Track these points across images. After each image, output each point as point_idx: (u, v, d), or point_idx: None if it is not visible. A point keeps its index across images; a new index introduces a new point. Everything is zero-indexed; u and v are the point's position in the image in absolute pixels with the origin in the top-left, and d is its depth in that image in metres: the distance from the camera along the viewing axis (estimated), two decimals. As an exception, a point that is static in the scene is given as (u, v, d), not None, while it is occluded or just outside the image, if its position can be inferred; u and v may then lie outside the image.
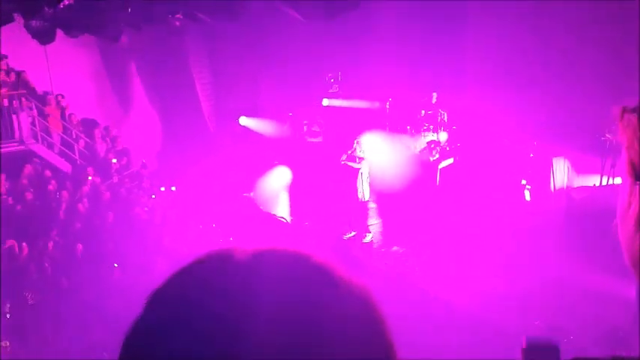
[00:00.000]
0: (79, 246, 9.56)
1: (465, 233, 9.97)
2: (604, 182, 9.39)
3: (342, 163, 11.67)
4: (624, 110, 0.96)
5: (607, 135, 9.16)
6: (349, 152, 11.57)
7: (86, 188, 10.88)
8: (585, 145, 9.65)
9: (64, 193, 10.62)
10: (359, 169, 11.42)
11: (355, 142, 11.75)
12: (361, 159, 11.41)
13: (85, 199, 10.60)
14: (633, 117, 0.94)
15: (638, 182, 0.93)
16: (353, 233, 11.35)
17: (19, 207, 10.14)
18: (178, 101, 13.09)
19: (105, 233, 10.17)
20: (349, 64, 13.78)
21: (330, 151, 13.46)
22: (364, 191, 11.41)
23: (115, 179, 11.64)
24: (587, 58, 9.68)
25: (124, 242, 9.96)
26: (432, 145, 12.34)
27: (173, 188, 11.86)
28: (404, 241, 10.52)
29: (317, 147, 13.97)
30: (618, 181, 9.37)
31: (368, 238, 11.31)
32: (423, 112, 12.81)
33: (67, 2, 6.33)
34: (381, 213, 11.91)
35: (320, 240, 11.03)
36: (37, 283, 8.83)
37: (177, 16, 7.48)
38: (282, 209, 12.38)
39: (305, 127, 13.93)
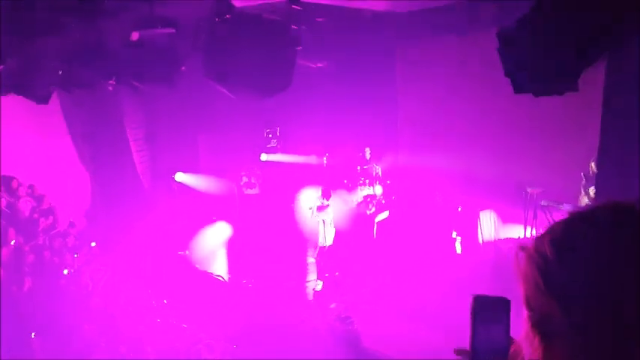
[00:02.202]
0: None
1: (401, 286, 10.13)
2: (527, 233, 9.90)
3: (312, 217, 11.55)
4: (520, 248, 1.07)
5: (528, 189, 9.77)
6: (317, 204, 11.44)
7: (7, 251, 10.21)
8: (509, 198, 10.22)
9: (-19, 257, 9.89)
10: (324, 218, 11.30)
11: (317, 196, 11.70)
12: (326, 206, 11.33)
13: (10, 262, 9.94)
14: (523, 256, 1.05)
15: (530, 314, 1.03)
16: (321, 283, 11.15)
17: None
18: (110, 157, 12.76)
19: (23, 300, 9.52)
20: (287, 120, 14.07)
21: (269, 205, 13.48)
22: (327, 238, 11.30)
23: (40, 240, 11.03)
24: (510, 117, 10.38)
25: (47, 308, 9.35)
26: (369, 199, 12.63)
27: (93, 244, 11.36)
28: (342, 298, 10.51)
29: (255, 200, 13.95)
30: (540, 231, 9.92)
31: (319, 287, 11.21)
32: (359, 167, 13.17)
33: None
34: (320, 267, 11.90)
35: (259, 300, 10.82)
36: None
37: (110, 82, 7.43)
38: (219, 267, 12.10)
39: (243, 180, 13.92)
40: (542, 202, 9.52)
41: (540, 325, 1.02)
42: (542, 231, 1.10)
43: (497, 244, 10.27)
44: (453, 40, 10.33)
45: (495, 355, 1.18)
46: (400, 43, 12.19)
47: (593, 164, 8.89)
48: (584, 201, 9.09)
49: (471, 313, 1.23)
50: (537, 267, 1.03)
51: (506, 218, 10.52)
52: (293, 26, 4.59)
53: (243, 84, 4.65)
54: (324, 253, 11.31)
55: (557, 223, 1.08)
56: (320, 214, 11.25)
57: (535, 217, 9.69)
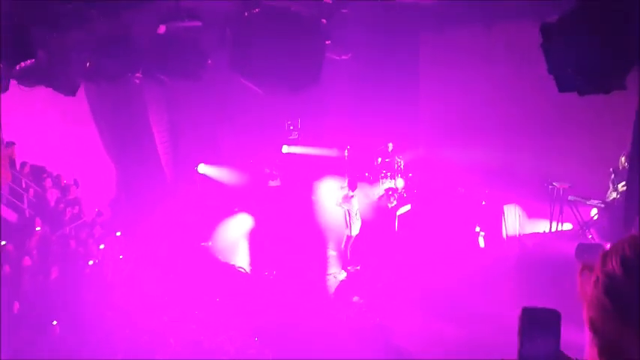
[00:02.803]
0: (16, 304, 9.06)
1: (424, 280, 10.07)
2: (553, 228, 9.75)
3: (337, 205, 11.51)
4: (584, 267, 1.01)
5: (554, 184, 9.60)
6: (343, 194, 11.38)
7: (33, 240, 10.43)
8: (534, 193, 10.06)
9: (9, 247, 10.12)
10: (350, 205, 11.24)
11: (341, 186, 11.60)
12: (350, 197, 11.24)
13: (33, 252, 10.14)
14: (587, 276, 0.99)
15: (596, 338, 0.97)
16: (344, 273, 11.18)
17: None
18: (135, 149, 12.90)
19: (49, 288, 9.71)
20: (309, 112, 14.05)
21: (290, 196, 13.51)
22: (352, 228, 11.25)
23: (66, 230, 11.23)
24: (535, 110, 10.21)
25: (71, 297, 9.53)
26: (390, 192, 12.57)
27: (118, 233, 11.50)
28: (364, 291, 10.50)
29: (277, 192, 14.00)
30: (567, 226, 9.77)
31: (342, 276, 11.22)
32: (379, 159, 13.09)
33: (23, 64, 6.25)
34: (344, 258, 11.90)
35: (280, 292, 10.86)
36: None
37: (137, 74, 7.49)
38: (241, 258, 12.18)
39: (265, 172, 13.98)
40: (570, 198, 9.35)
41: (609, 351, 0.96)
42: (606, 248, 1.03)
43: (521, 239, 10.12)
44: (478, 31, 10.17)
45: None
46: (424, 35, 12.05)
47: (623, 159, 8.70)
48: (613, 196, 8.90)
49: (520, 326, 1.20)
50: (605, 289, 0.96)
51: (531, 213, 10.36)
52: (323, 20, 4.55)
53: (271, 79, 4.64)
54: (349, 244, 11.28)
55: (623, 241, 1.00)
56: (345, 204, 11.19)
57: (561, 212, 9.53)
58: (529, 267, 9.04)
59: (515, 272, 9.16)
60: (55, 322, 8.72)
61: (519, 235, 10.28)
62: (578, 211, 9.28)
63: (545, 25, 4.00)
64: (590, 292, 1.00)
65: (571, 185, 9.49)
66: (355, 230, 11.18)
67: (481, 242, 10.76)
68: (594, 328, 0.98)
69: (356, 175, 12.49)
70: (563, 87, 4.13)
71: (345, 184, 11.38)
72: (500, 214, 10.50)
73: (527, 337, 1.17)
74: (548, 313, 1.17)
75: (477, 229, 10.78)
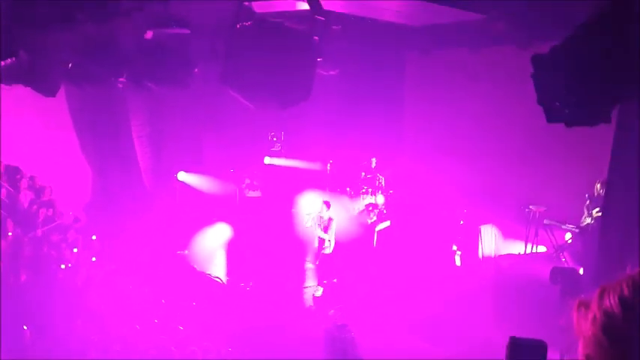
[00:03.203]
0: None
1: (399, 296, 10.12)
2: (528, 250, 9.92)
3: (308, 226, 11.60)
4: (580, 304, 1.03)
5: (530, 207, 9.80)
6: (315, 216, 11.41)
7: (4, 242, 10.14)
8: (511, 215, 10.25)
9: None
10: (328, 225, 11.24)
11: (322, 205, 11.59)
12: (330, 220, 11.29)
13: (4, 254, 9.86)
14: (584, 313, 1.01)
15: None
16: (321, 289, 11.10)
17: None
18: (114, 154, 12.70)
19: (18, 293, 9.44)
20: (293, 125, 14.05)
21: (270, 208, 13.45)
22: (326, 246, 11.26)
23: (39, 233, 10.95)
24: (516, 135, 10.40)
25: (42, 302, 9.29)
26: (370, 208, 12.63)
27: (93, 237, 11.28)
28: (341, 304, 10.49)
29: (257, 203, 13.92)
30: (541, 249, 9.95)
31: (318, 293, 11.18)
32: (363, 174, 13.17)
33: (3, 63, 6.12)
34: (320, 274, 11.87)
35: (256, 304, 10.78)
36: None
37: (121, 79, 7.39)
38: (217, 268, 12.05)
39: (245, 182, 13.89)
40: (545, 221, 9.54)
41: None
42: (603, 286, 1.05)
43: (497, 259, 10.28)
44: (464, 54, 10.35)
45: None
46: (410, 54, 12.21)
47: (598, 186, 8.92)
48: (587, 222, 9.11)
49: (507, 355, 1.21)
50: (603, 327, 0.98)
51: (507, 234, 10.54)
52: (315, 37, 4.57)
53: (262, 93, 4.63)
54: (323, 261, 11.29)
55: (621, 280, 1.01)
56: (320, 225, 11.27)
57: (537, 234, 9.71)
58: (504, 287, 9.16)
59: (491, 292, 9.28)
60: (25, 327, 8.48)
61: (495, 255, 10.44)
62: (553, 234, 9.46)
63: (536, 57, 4.11)
64: (586, 329, 1.02)
65: (547, 209, 9.69)
66: (329, 249, 11.23)
67: (457, 261, 10.88)
68: None
69: (332, 191, 12.59)
70: (551, 118, 4.23)
71: (321, 207, 11.41)
72: (477, 233, 10.65)
73: None
74: (535, 344, 1.18)
75: (454, 247, 10.90)
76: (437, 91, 11.86)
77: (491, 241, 10.64)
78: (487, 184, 10.82)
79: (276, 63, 4.48)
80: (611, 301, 0.99)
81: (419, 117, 12.51)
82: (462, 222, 10.98)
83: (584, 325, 1.03)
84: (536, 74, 4.13)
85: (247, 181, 13.84)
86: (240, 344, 9.68)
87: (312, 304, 11.13)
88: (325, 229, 11.27)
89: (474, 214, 10.82)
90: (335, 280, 11.31)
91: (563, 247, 9.37)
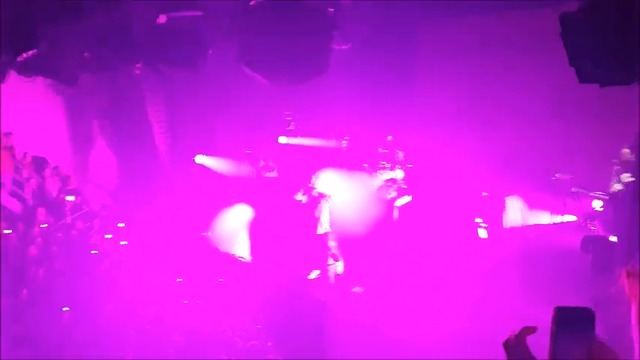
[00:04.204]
0: (24, 291, 9.10)
1: (422, 272, 10.10)
2: (556, 220, 9.77)
3: (297, 199, 11.61)
4: (629, 273, 1.02)
5: (557, 175, 9.60)
6: (307, 189, 11.45)
7: (37, 230, 10.44)
8: (537, 184, 10.06)
9: (12, 236, 10.14)
10: (319, 205, 11.28)
11: (313, 178, 11.68)
12: (322, 195, 11.31)
13: (38, 241, 10.18)
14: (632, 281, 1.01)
15: None
16: (317, 272, 11.17)
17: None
18: (133, 139, 12.84)
19: (54, 277, 9.74)
20: (306, 103, 13.96)
21: (288, 188, 13.48)
22: (326, 227, 11.30)
23: (68, 220, 11.22)
24: (539, 102, 10.17)
25: (75, 286, 9.55)
26: (389, 183, 12.54)
27: (121, 224, 11.50)
28: (364, 281, 10.53)
29: (274, 183, 13.96)
30: (568, 218, 9.80)
31: (314, 275, 11.20)
32: (379, 150, 13.05)
33: (25, 55, 6.18)
34: (340, 251, 11.91)
35: (281, 281, 10.89)
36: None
37: (137, 65, 7.42)
38: (241, 248, 12.18)
39: (261, 163, 13.91)
40: (573, 189, 9.35)
41: None
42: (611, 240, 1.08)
43: (524, 230, 10.14)
44: (480, 21, 10.10)
45: None
46: (424, 25, 11.96)
47: (627, 150, 8.69)
48: (617, 188, 8.90)
49: (553, 325, 1.18)
50: None
51: (533, 205, 10.36)
52: (330, 9, 4.50)
53: (278, 70, 4.59)
54: (322, 243, 11.26)
55: None
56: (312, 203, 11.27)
57: (564, 204, 9.54)
58: (532, 259, 9.08)
59: (518, 264, 9.19)
60: (66, 309, 8.78)
61: (522, 226, 10.29)
62: (581, 202, 9.30)
63: (564, 15, 3.96)
64: (636, 293, 1.03)
65: (573, 177, 9.50)
66: (322, 228, 11.20)
67: (482, 234, 10.77)
68: None
69: (349, 167, 12.59)
70: (583, 78, 4.10)
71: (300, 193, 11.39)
72: (502, 205, 10.51)
73: (560, 337, 1.15)
74: (582, 312, 1.15)
75: (478, 220, 10.79)
76: (454, 62, 11.62)
77: (516, 213, 10.48)
78: (510, 154, 10.64)
79: (291, 39, 4.43)
80: None
81: (436, 88, 12.28)
82: (485, 194, 10.83)
83: (636, 290, 1.03)
84: (564, 34, 3.99)
85: (262, 162, 13.86)
86: (268, 320, 9.84)
87: (333, 281, 11.18)
88: (315, 208, 11.24)
89: (498, 185, 10.66)
90: (334, 263, 11.20)
91: (593, 215, 9.18)
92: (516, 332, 1.13)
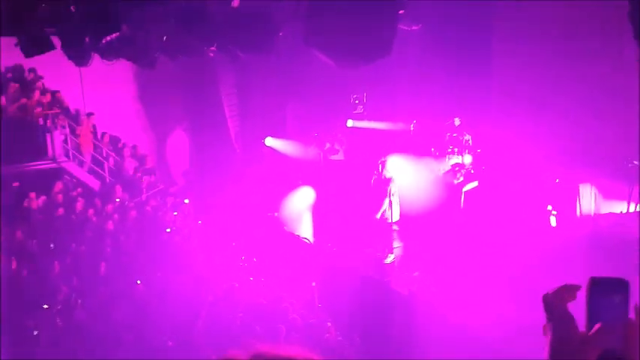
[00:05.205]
0: (103, 264, 9.75)
1: (488, 258, 9.90)
2: (631, 209, 9.27)
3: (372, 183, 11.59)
4: None
5: (634, 162, 9.07)
6: (376, 173, 11.42)
7: (113, 206, 11.16)
8: (612, 172, 9.56)
9: (90, 211, 10.89)
10: (387, 189, 11.22)
11: (380, 163, 11.66)
12: (389, 180, 11.25)
13: (115, 216, 10.86)
14: None
15: None
16: (392, 256, 11.22)
17: (51, 223, 10.45)
18: (206, 121, 13.39)
19: (130, 250, 10.38)
20: (374, 86, 13.93)
21: (354, 171, 13.56)
22: (393, 212, 11.24)
23: (144, 197, 11.91)
24: (615, 86, 9.62)
25: (149, 260, 10.15)
26: (457, 168, 12.32)
27: (186, 201, 12.04)
28: (426, 266, 10.47)
29: (340, 167, 14.09)
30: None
31: (390, 259, 11.23)
32: (447, 135, 12.83)
33: (108, 38, 6.61)
34: (404, 235, 11.89)
35: (342, 264, 11.05)
36: (66, 298, 9.04)
37: (212, 48, 7.72)
38: (305, 230, 12.46)
39: (326, 146, 14.07)
40: (650, 177, 8.82)
41: None
42: None
43: (596, 219, 9.68)
44: (559, 4, 9.62)
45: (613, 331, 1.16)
46: (500, 7, 11.53)
47: None
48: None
49: (587, 295, 1.21)
50: None
51: (608, 193, 9.85)
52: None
53: (344, 50, 4.64)
54: (385, 227, 11.17)
55: None
56: (379, 187, 11.15)
57: (640, 192, 9.03)
58: (602, 248, 8.67)
59: (588, 254, 8.81)
60: (139, 282, 9.33)
61: (594, 215, 9.84)
62: (659, 192, 8.76)
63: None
64: None
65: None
66: (395, 217, 11.05)
67: (553, 222, 10.38)
68: None
69: (416, 151, 12.39)
70: None
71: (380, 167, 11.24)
72: (575, 193, 10.06)
73: (594, 305, 1.18)
74: (617, 281, 1.19)
75: (549, 207, 10.40)
76: (528, 46, 11.15)
77: (590, 201, 10.01)
78: (585, 139, 10.13)
79: (357, 18, 4.46)
80: None
81: (508, 71, 11.85)
82: (557, 180, 10.40)
83: None
84: (632, 9, 3.78)
85: (328, 145, 14.00)
86: (328, 300, 10.04)
87: (397, 264, 11.18)
88: (384, 192, 11.10)
89: (571, 171, 10.20)
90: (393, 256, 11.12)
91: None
92: (557, 288, 1.17)
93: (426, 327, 8.85)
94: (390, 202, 11.15)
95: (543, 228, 10.30)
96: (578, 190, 10.03)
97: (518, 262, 9.34)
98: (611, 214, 9.58)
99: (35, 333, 8.47)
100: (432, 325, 8.81)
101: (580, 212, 10.03)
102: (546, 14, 10.59)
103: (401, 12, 4.55)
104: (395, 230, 11.92)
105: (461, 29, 11.72)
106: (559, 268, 8.49)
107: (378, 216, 11.15)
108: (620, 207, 9.54)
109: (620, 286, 1.17)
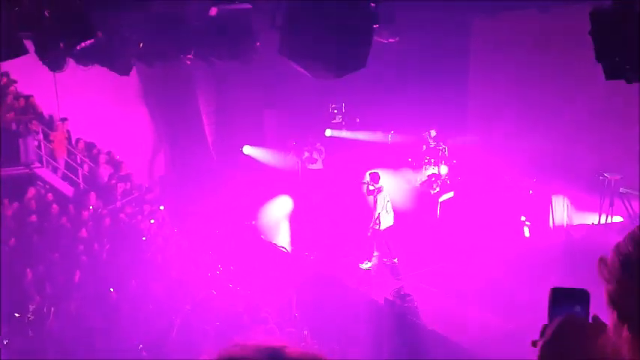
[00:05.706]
0: (77, 272, 9.58)
1: (463, 267, 10.01)
2: (602, 221, 9.47)
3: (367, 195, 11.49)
4: (600, 260, 1.09)
5: (605, 175, 9.28)
6: (366, 185, 11.30)
7: (87, 213, 10.97)
8: (584, 184, 9.77)
9: (64, 218, 10.70)
10: (375, 199, 11.09)
11: (369, 174, 11.53)
12: (380, 189, 11.09)
13: (89, 224, 10.69)
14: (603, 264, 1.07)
15: (614, 310, 1.07)
16: (369, 264, 11.14)
17: (22, 230, 10.23)
18: (183, 128, 13.29)
19: (105, 258, 10.21)
20: (353, 96, 14.03)
21: (332, 181, 13.60)
22: (386, 220, 11.07)
23: (118, 204, 11.74)
24: (588, 100, 9.85)
25: (124, 268, 10.00)
26: (433, 179, 12.47)
27: (161, 207, 11.91)
28: (404, 276, 10.53)
29: (318, 176, 14.12)
30: (616, 219, 9.46)
31: (367, 266, 11.16)
32: (424, 146, 12.98)
33: (84, 44, 6.54)
34: (380, 245, 11.92)
35: (319, 271, 11.04)
36: (39, 307, 8.85)
37: (189, 56, 7.69)
38: (282, 239, 12.42)
39: (305, 155, 14.08)
40: (621, 190, 9.04)
41: (628, 321, 1.04)
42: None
43: (568, 230, 9.87)
44: (533, 16, 9.83)
45: None
46: (476, 19, 11.75)
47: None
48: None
49: (549, 305, 1.25)
50: (621, 264, 1.05)
51: (580, 204, 10.07)
52: (372, 4, 4.55)
53: (319, 62, 4.69)
54: (378, 236, 11.12)
55: (635, 228, 1.08)
56: (370, 197, 11.10)
57: (612, 204, 9.23)
58: (575, 259, 8.83)
59: (561, 264, 8.97)
60: (111, 290, 9.18)
61: (566, 226, 10.03)
62: (629, 203, 8.98)
63: (595, 11, 3.88)
64: (606, 273, 1.07)
65: (622, 177, 9.17)
66: (385, 224, 10.97)
67: (526, 232, 10.56)
68: (612, 301, 1.07)
69: (393, 162, 12.45)
70: (610, 74, 4.03)
71: (367, 178, 11.18)
72: (548, 204, 10.25)
73: (556, 316, 1.22)
74: (578, 291, 1.22)
75: (523, 218, 10.58)
76: (503, 57, 11.37)
77: (562, 212, 10.22)
78: (558, 152, 10.35)
79: (332, 31, 4.51)
80: (627, 243, 1.07)
81: (484, 83, 12.07)
82: (531, 192, 10.60)
83: (604, 272, 1.10)
84: (594, 30, 3.92)
85: (306, 153, 14.03)
86: (305, 310, 10.01)
87: (374, 274, 11.19)
88: (374, 202, 11.03)
89: (544, 183, 10.40)
90: (395, 260, 11.14)
91: (641, 216, 8.87)
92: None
93: (403, 335, 8.89)
94: (380, 212, 11.10)
95: (517, 238, 10.46)
96: (551, 201, 10.23)
97: (492, 270, 9.46)
98: (583, 225, 9.77)
99: (5, 342, 8.27)
100: (409, 333, 8.84)
101: (553, 223, 10.22)
102: (522, 27, 10.81)
103: (375, 26, 4.62)
104: (377, 239, 11.93)
105: (438, 42, 11.90)
106: (532, 277, 8.62)
107: (374, 225, 11.05)
108: (591, 218, 9.75)
109: (580, 295, 1.21)
